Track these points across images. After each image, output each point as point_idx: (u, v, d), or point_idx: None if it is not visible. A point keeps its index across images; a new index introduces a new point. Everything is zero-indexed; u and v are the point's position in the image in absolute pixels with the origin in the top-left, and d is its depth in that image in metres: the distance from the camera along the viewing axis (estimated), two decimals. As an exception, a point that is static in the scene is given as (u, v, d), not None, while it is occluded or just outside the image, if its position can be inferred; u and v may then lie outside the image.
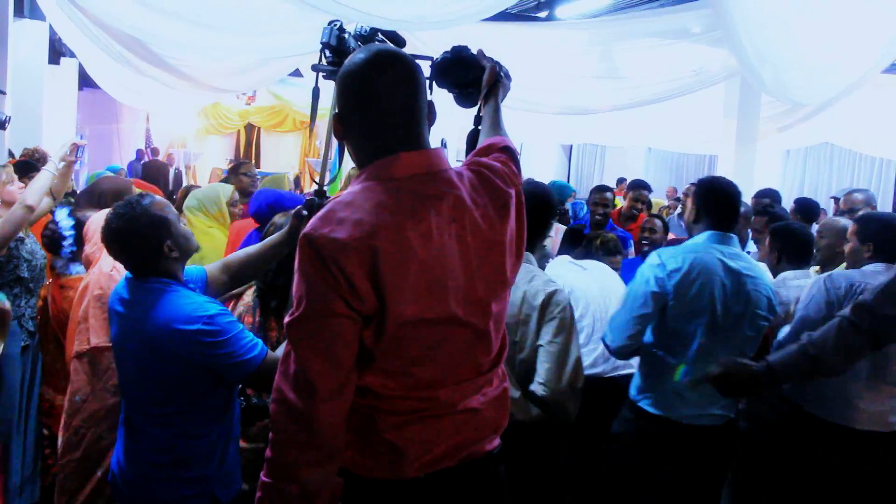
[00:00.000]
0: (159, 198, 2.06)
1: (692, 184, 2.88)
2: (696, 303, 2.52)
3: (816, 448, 2.69)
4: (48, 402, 3.25)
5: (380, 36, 1.75)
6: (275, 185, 4.33)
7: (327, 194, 1.97)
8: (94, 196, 3.12)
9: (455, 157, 7.00)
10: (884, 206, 10.02)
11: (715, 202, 2.67)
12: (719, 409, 2.59)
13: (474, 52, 1.77)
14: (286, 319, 1.37)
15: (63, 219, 3.09)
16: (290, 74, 8.13)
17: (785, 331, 2.71)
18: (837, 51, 4.82)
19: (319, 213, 1.37)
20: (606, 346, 2.73)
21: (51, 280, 3.27)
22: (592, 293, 3.14)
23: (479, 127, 1.73)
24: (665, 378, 2.57)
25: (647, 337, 2.64)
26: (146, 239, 1.94)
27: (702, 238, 2.65)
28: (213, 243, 3.70)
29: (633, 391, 2.68)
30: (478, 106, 1.75)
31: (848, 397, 2.63)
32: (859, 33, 4.71)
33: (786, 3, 4.43)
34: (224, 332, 1.84)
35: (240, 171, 4.71)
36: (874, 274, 2.69)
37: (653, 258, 2.64)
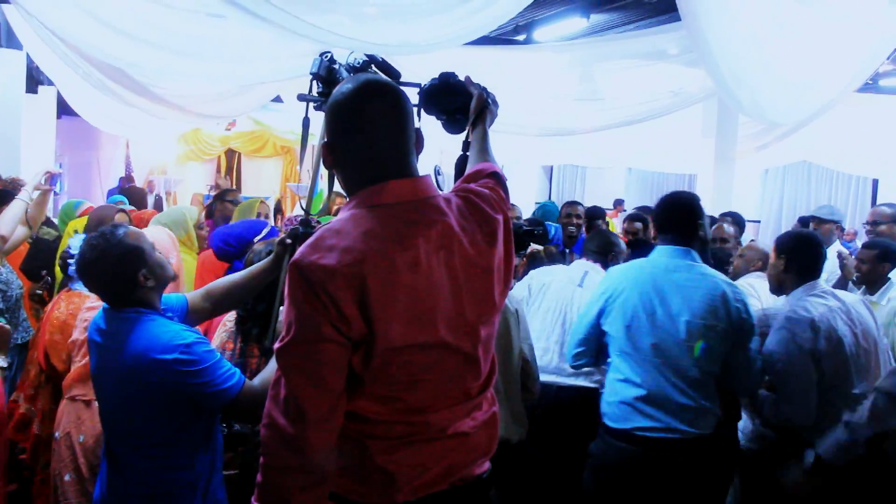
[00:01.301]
0: (133, 227, 2.06)
1: None
2: (621, 318, 2.61)
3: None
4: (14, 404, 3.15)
5: (373, 68, 1.76)
6: (246, 211, 4.29)
7: (313, 223, 1.97)
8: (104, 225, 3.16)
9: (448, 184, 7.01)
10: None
11: (667, 218, 2.74)
12: (681, 423, 2.49)
13: (461, 78, 1.78)
14: (276, 345, 1.37)
15: (76, 246, 3.06)
16: (270, 100, 8.13)
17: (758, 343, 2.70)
18: (812, 71, 4.90)
19: (309, 241, 1.38)
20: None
21: (58, 294, 3.16)
22: (553, 304, 3.26)
23: (468, 153, 1.73)
24: (617, 390, 2.61)
25: (606, 351, 2.73)
26: (121, 269, 1.94)
27: (652, 254, 2.73)
28: (183, 267, 3.62)
29: (601, 406, 2.69)
30: (466, 132, 1.76)
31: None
32: (833, 53, 4.79)
33: (760, 24, 4.49)
34: (201, 361, 1.83)
35: (226, 198, 4.68)
36: (808, 301, 2.70)
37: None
